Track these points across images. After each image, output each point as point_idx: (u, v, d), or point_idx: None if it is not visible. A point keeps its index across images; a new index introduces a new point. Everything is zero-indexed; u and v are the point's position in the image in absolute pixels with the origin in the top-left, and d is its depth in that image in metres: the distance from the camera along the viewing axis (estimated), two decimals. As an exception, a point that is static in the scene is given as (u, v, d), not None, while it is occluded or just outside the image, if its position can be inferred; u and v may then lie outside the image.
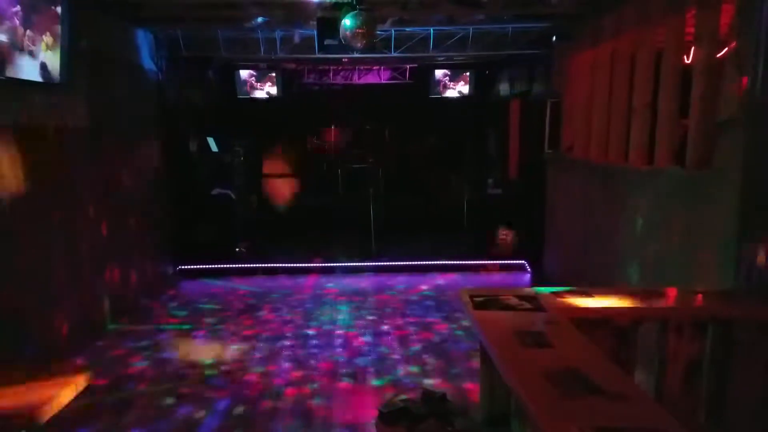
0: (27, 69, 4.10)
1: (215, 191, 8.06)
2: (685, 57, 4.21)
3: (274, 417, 3.77)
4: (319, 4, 5.77)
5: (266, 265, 7.59)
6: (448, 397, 2.70)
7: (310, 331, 5.39)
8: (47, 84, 4.43)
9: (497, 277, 7.41)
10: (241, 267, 7.58)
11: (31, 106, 4.42)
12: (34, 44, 4.15)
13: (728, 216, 3.14)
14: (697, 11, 3.72)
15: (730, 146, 3.24)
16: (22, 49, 4.00)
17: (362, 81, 11.42)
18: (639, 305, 2.45)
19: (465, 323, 5.39)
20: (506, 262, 7.69)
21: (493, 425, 2.39)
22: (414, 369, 4.51)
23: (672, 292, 2.76)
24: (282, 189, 10.11)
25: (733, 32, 3.34)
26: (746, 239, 2.88)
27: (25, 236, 4.27)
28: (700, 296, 2.58)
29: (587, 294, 2.66)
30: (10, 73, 3.90)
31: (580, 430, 1.43)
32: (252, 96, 10.99)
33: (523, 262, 7.67)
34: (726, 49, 3.45)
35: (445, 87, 11.36)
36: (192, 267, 7.52)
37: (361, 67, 11.11)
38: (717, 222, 3.27)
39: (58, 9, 4.40)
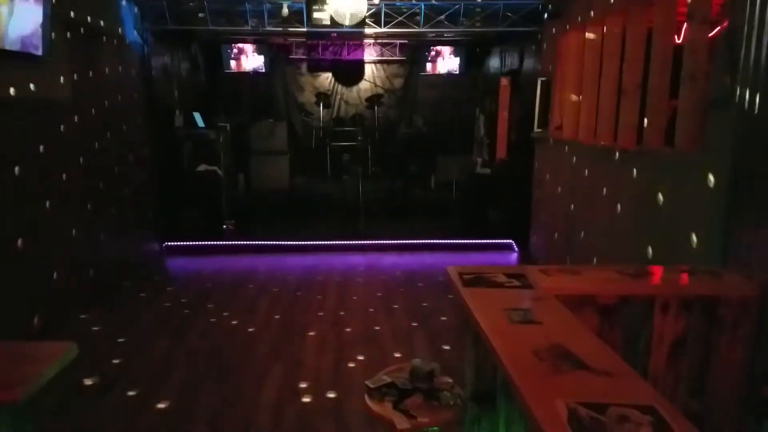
0: (7, 40, 3.99)
1: (201, 167, 7.97)
2: (676, 36, 4.19)
3: (259, 398, 3.78)
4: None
5: (253, 242, 7.55)
6: (435, 372, 2.72)
7: (297, 309, 5.39)
8: (28, 55, 4.32)
9: (485, 256, 7.44)
10: (228, 244, 7.55)
11: (11, 79, 4.30)
12: (12, 14, 4.03)
13: (717, 196, 3.16)
14: (689, -11, 3.69)
15: (720, 127, 3.24)
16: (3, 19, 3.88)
17: (351, 57, 11.29)
18: (625, 283, 2.47)
19: (453, 300, 5.42)
20: (494, 241, 7.73)
21: (480, 401, 2.41)
22: (402, 345, 4.54)
23: (659, 270, 2.78)
24: (270, 166, 10.02)
25: (726, 11, 3.31)
26: (734, 219, 2.90)
27: (4, 213, 4.20)
28: (686, 275, 2.60)
29: (574, 272, 2.67)
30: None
31: (566, 404, 1.44)
32: (239, 71, 10.85)
33: (510, 241, 7.71)
34: (718, 28, 3.43)
35: (435, 64, 11.29)
36: (178, 244, 7.47)
37: (351, 43, 10.97)
38: (705, 202, 3.29)
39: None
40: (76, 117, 5.35)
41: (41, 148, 4.72)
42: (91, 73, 5.69)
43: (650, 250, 3.99)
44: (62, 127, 5.10)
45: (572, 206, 5.79)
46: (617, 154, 4.68)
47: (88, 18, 5.66)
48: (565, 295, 2.31)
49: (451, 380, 2.73)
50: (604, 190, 4.89)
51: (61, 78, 5.06)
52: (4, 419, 1.79)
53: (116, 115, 6.31)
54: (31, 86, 4.58)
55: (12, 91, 4.31)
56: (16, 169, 4.33)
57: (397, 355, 4.34)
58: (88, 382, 3.87)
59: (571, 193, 5.84)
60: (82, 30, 5.49)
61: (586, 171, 5.40)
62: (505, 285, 2.46)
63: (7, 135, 4.25)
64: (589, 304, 2.36)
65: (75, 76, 5.31)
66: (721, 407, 2.34)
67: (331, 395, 3.75)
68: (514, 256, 7.54)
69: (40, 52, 4.46)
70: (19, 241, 4.35)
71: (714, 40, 3.49)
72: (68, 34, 5.17)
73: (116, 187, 6.22)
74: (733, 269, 2.66)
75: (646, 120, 4.25)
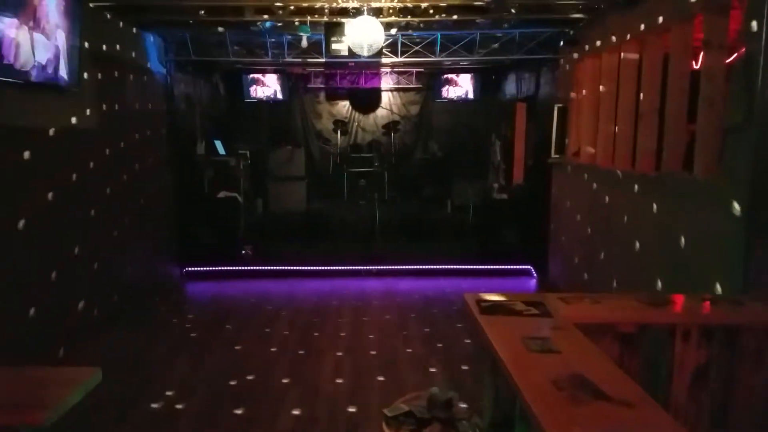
0: (38, 71, 4.14)
1: (222, 194, 8.09)
2: (693, 62, 4.21)
3: (275, 425, 3.77)
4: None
5: (271, 267, 7.60)
6: (453, 401, 2.70)
7: (314, 333, 5.39)
8: (57, 86, 4.47)
9: (504, 282, 7.39)
10: (247, 269, 7.60)
11: (39, 108, 4.45)
12: (45, 47, 4.19)
13: (736, 222, 3.13)
14: (705, 17, 3.72)
15: (739, 151, 3.23)
16: (34, 52, 4.04)
17: (368, 85, 11.46)
18: (646, 312, 2.45)
19: (470, 327, 5.38)
20: (512, 266, 7.67)
21: (497, 429, 2.39)
22: (419, 372, 4.51)
23: (679, 298, 2.75)
24: (288, 192, 10.14)
25: (742, 38, 3.33)
26: (754, 245, 2.87)
27: (32, 237, 4.30)
28: (707, 303, 2.57)
29: (593, 300, 2.66)
30: (22, 76, 3.94)
31: (586, 436, 1.43)
32: (258, 99, 11.07)
33: (528, 267, 7.65)
34: (735, 54, 3.45)
35: (451, 91, 11.40)
36: (198, 269, 7.55)
37: (368, 71, 11.15)
38: (725, 228, 3.26)
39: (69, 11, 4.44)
40: (103, 147, 5.50)
41: (67, 175, 4.85)
42: (117, 103, 5.86)
43: (669, 276, 3.95)
44: (87, 154, 5.24)
45: (591, 231, 5.75)
46: (636, 179, 4.67)
47: (115, 50, 5.85)
48: (585, 324, 2.30)
49: (469, 409, 2.71)
50: (623, 215, 4.87)
51: (89, 108, 5.22)
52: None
53: (141, 144, 6.46)
54: (61, 117, 4.73)
55: (42, 121, 4.46)
56: (42, 195, 4.45)
57: (414, 380, 4.30)
58: (107, 403, 3.90)
59: (590, 219, 5.80)
60: (108, 62, 5.67)
61: (605, 196, 5.38)
62: (523, 313, 2.45)
63: (35, 162, 4.37)
64: (609, 333, 2.34)
65: (102, 106, 5.47)
66: (747, 439, 2.29)
67: (348, 420, 3.72)
68: (533, 281, 7.48)
69: (69, 84, 4.61)
70: (42, 262, 4.45)
71: (731, 66, 3.50)
72: (95, 66, 5.35)
73: (138, 213, 6.34)
74: (754, 297, 2.63)
75: (664, 145, 4.24)
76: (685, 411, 2.29)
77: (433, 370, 4.57)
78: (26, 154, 4.20)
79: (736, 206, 3.16)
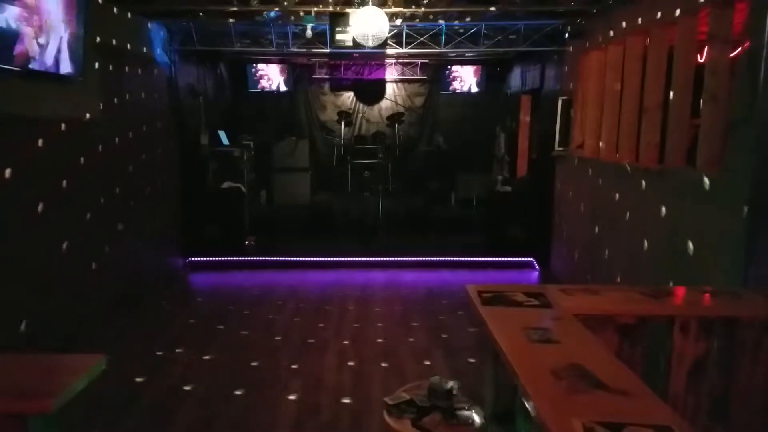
0: (42, 61, 4.16)
1: (225, 184, 8.11)
2: (698, 56, 4.19)
3: (278, 413, 3.81)
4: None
5: (275, 258, 7.63)
6: (454, 390, 2.72)
7: (317, 324, 5.42)
8: (60, 76, 4.48)
9: (506, 274, 7.41)
10: (251, 260, 7.63)
11: (44, 99, 4.47)
12: (48, 36, 4.20)
13: (738, 216, 3.14)
14: (710, 10, 3.70)
15: (742, 146, 3.23)
16: (37, 42, 4.05)
17: (373, 76, 11.43)
18: (645, 304, 2.46)
19: (472, 319, 5.41)
20: (515, 259, 7.69)
21: (498, 420, 2.42)
22: (421, 362, 4.54)
23: (680, 291, 2.77)
24: (292, 183, 10.16)
25: (747, 31, 3.32)
26: (756, 239, 2.87)
27: (36, 226, 4.33)
28: (707, 295, 2.59)
29: (594, 292, 2.68)
30: (26, 65, 3.96)
31: (582, 424, 1.45)
32: (262, 90, 11.06)
33: (531, 259, 7.67)
34: (740, 48, 3.43)
35: (456, 83, 11.37)
36: (202, 259, 7.58)
37: (372, 63, 11.11)
38: (727, 222, 3.26)
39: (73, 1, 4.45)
40: (107, 138, 5.52)
41: (71, 165, 4.87)
42: (121, 94, 5.87)
43: (672, 269, 3.96)
44: (91, 145, 5.26)
45: (594, 225, 5.76)
46: (639, 173, 4.66)
47: (119, 40, 5.85)
48: (585, 315, 2.32)
49: (470, 398, 2.74)
50: (626, 208, 4.87)
51: (92, 99, 5.23)
52: (37, 428, 1.85)
53: (145, 134, 6.47)
54: (64, 107, 4.75)
55: (45, 112, 4.47)
56: (46, 185, 4.48)
57: (416, 370, 4.33)
58: (112, 394, 3.94)
59: (593, 212, 5.81)
60: (112, 52, 5.68)
61: (608, 189, 5.38)
62: (524, 304, 2.47)
63: (39, 153, 4.40)
64: (609, 324, 2.36)
65: (106, 97, 5.48)
66: (745, 430, 2.31)
67: (350, 410, 3.76)
68: (535, 274, 7.50)
69: (73, 75, 4.62)
70: (45, 253, 4.48)
71: (736, 60, 3.49)
72: (99, 56, 5.36)
73: (142, 204, 6.36)
74: (754, 290, 2.64)
75: (668, 139, 4.23)
76: (684, 403, 2.31)
77: (434, 360, 4.61)
78: (26, 144, 4.22)
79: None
